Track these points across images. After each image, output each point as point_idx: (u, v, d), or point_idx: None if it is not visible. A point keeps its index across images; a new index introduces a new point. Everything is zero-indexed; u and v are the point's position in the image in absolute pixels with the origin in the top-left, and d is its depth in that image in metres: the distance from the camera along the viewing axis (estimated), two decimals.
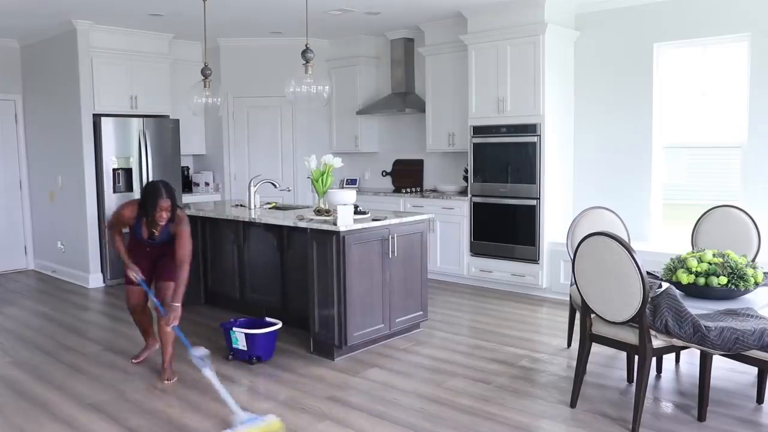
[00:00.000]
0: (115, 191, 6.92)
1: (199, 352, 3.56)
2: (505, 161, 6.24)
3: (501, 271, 6.38)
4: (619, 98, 6.07)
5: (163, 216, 3.92)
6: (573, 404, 3.56)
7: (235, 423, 3.26)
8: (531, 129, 6.02)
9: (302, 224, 4.50)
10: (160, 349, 4.14)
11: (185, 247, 3.94)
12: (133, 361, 4.39)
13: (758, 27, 5.27)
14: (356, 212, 4.60)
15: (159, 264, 4.16)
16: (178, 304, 3.88)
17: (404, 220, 4.71)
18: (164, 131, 7.26)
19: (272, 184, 5.67)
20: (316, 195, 4.93)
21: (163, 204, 3.88)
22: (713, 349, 3.06)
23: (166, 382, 4.00)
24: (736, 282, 3.28)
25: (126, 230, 4.18)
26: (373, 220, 4.52)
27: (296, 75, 4.83)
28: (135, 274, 4.09)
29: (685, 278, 3.34)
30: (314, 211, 4.82)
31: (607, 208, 4.64)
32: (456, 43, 6.68)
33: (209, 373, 3.46)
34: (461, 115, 6.74)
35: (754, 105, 5.33)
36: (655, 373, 4.02)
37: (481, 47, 6.33)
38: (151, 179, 7.14)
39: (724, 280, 3.28)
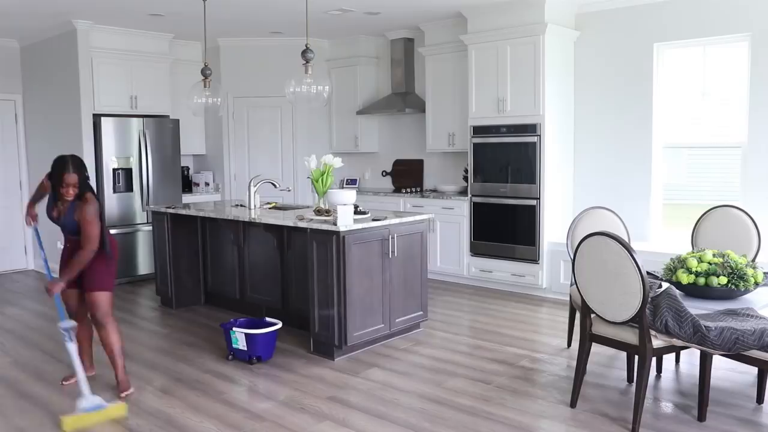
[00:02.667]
0: (115, 191, 6.93)
1: (67, 324, 3.61)
2: (505, 161, 6.24)
3: (501, 271, 6.38)
4: (619, 98, 6.07)
5: (70, 192, 3.66)
6: (573, 404, 3.56)
7: (80, 406, 3.46)
8: (531, 129, 6.02)
9: (302, 224, 4.50)
10: (110, 363, 3.90)
11: (86, 233, 3.65)
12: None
13: (758, 27, 5.27)
14: (356, 212, 4.60)
15: (88, 271, 3.78)
16: (61, 282, 3.65)
17: (404, 220, 4.71)
18: (164, 131, 7.26)
19: (272, 184, 5.67)
20: (316, 195, 4.93)
21: (69, 179, 3.62)
22: (713, 349, 3.06)
23: (123, 395, 3.78)
24: (736, 282, 3.28)
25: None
26: (373, 220, 4.52)
27: (296, 75, 4.84)
28: (29, 220, 4.09)
29: (685, 278, 3.34)
30: (314, 211, 4.82)
31: (607, 208, 4.64)
32: (456, 43, 6.68)
33: (71, 347, 3.58)
34: (461, 115, 6.74)
35: (754, 105, 5.33)
36: (655, 373, 4.02)
37: (481, 47, 6.33)
38: (149, 176, 7.15)
39: (724, 280, 3.28)
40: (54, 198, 3.81)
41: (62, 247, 4.00)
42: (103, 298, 3.80)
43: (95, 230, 3.69)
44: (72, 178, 3.64)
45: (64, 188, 3.65)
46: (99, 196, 6.69)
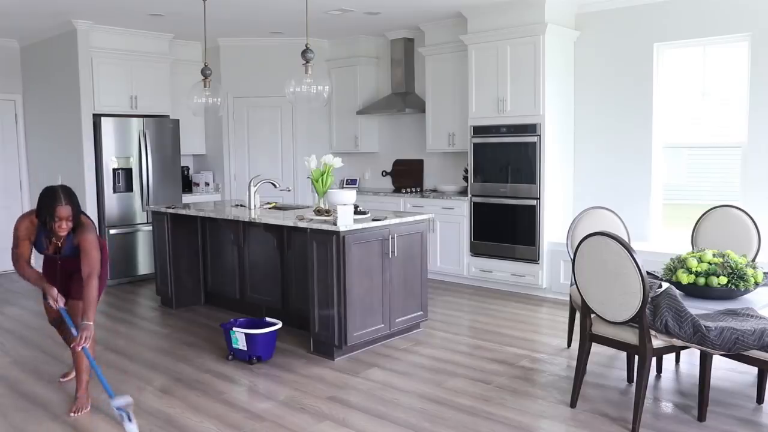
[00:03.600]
0: (115, 191, 6.93)
1: (121, 401, 3.09)
2: (505, 161, 6.24)
3: (501, 271, 6.38)
4: (619, 98, 6.07)
5: (63, 226, 3.35)
6: (573, 404, 3.56)
7: None
8: (531, 129, 6.02)
9: (302, 224, 4.50)
10: (75, 376, 3.67)
11: (90, 258, 3.38)
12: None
13: (758, 27, 5.27)
14: (356, 212, 4.60)
15: (71, 281, 3.63)
16: (90, 323, 3.33)
17: (404, 220, 4.71)
18: (164, 131, 7.26)
19: (272, 184, 5.67)
20: (316, 195, 4.93)
21: (61, 212, 3.29)
22: (713, 349, 3.06)
23: (72, 414, 3.48)
24: (736, 282, 3.28)
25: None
26: (373, 220, 4.52)
27: (296, 75, 4.84)
28: (55, 303, 3.51)
29: (685, 278, 3.34)
30: (314, 211, 4.82)
31: (607, 208, 4.64)
32: (456, 43, 6.68)
33: (132, 428, 3.04)
34: (461, 115, 6.74)
35: (754, 105, 5.33)
36: (655, 373, 4.02)
37: (481, 47, 6.33)
38: (149, 176, 7.15)
39: (724, 280, 3.28)
40: (45, 235, 3.49)
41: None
42: (81, 306, 3.50)
43: (97, 253, 3.44)
44: (65, 210, 3.31)
45: (56, 223, 3.32)
46: (99, 197, 6.83)
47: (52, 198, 3.32)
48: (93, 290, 3.36)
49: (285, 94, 4.90)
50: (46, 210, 3.33)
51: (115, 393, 3.83)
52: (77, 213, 3.41)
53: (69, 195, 3.38)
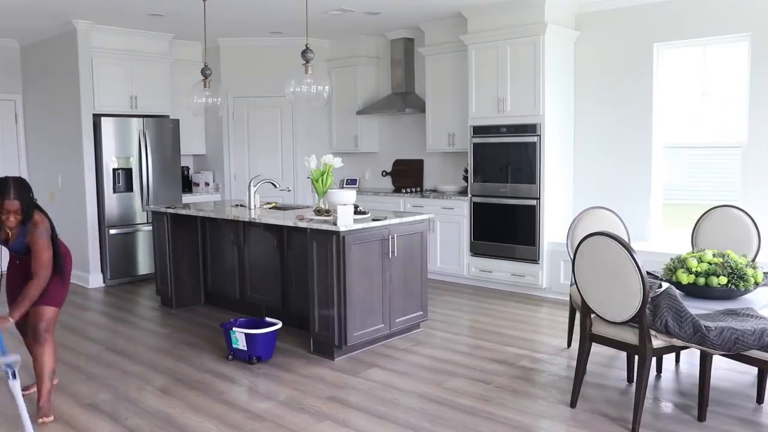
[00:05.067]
0: (115, 191, 6.92)
1: (9, 359, 3.11)
2: (505, 161, 6.24)
3: (501, 271, 6.38)
4: (619, 98, 6.07)
5: (11, 219, 3.34)
6: (573, 404, 3.56)
7: None
8: (531, 129, 6.02)
9: (302, 224, 4.50)
10: (36, 385, 3.62)
11: (39, 258, 3.37)
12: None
13: (758, 27, 5.27)
14: (356, 212, 4.60)
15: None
16: (11, 319, 3.31)
17: (404, 220, 4.71)
18: (164, 131, 7.26)
19: (272, 184, 5.67)
20: (316, 195, 4.93)
21: (8, 206, 3.29)
22: (713, 349, 3.06)
23: (41, 421, 3.45)
24: (736, 282, 3.28)
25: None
26: (373, 220, 4.52)
27: (296, 75, 4.84)
28: None
29: (685, 278, 3.34)
30: (314, 211, 4.82)
31: (607, 208, 4.64)
32: (456, 43, 6.68)
33: (14, 385, 3.11)
34: (461, 115, 6.74)
35: (754, 105, 5.33)
36: (655, 373, 4.02)
37: (481, 47, 6.33)
38: (149, 176, 7.14)
39: (724, 280, 3.28)
40: None
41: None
42: (48, 313, 3.54)
43: (48, 255, 3.41)
44: (13, 205, 3.31)
45: (4, 216, 3.32)
46: (99, 197, 6.82)
47: (2, 192, 3.31)
48: (34, 291, 3.35)
49: (285, 94, 4.90)
50: None
51: (114, 391, 3.84)
52: (27, 208, 3.38)
53: (20, 189, 3.36)
